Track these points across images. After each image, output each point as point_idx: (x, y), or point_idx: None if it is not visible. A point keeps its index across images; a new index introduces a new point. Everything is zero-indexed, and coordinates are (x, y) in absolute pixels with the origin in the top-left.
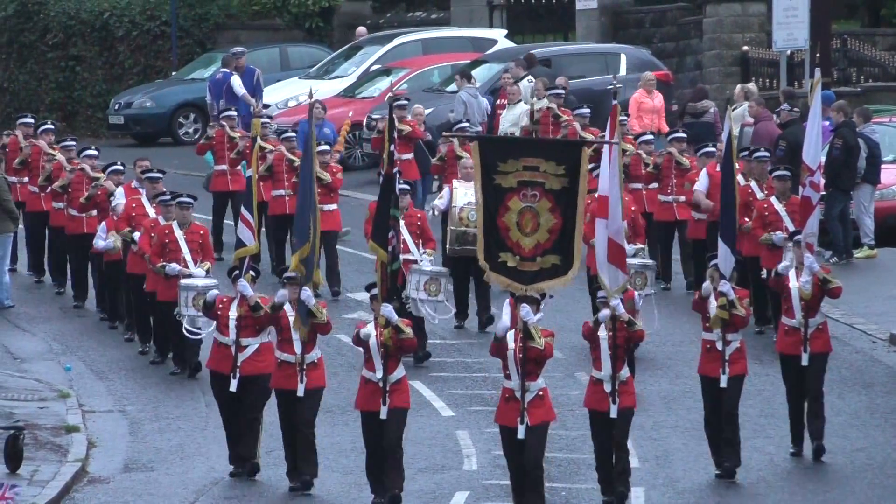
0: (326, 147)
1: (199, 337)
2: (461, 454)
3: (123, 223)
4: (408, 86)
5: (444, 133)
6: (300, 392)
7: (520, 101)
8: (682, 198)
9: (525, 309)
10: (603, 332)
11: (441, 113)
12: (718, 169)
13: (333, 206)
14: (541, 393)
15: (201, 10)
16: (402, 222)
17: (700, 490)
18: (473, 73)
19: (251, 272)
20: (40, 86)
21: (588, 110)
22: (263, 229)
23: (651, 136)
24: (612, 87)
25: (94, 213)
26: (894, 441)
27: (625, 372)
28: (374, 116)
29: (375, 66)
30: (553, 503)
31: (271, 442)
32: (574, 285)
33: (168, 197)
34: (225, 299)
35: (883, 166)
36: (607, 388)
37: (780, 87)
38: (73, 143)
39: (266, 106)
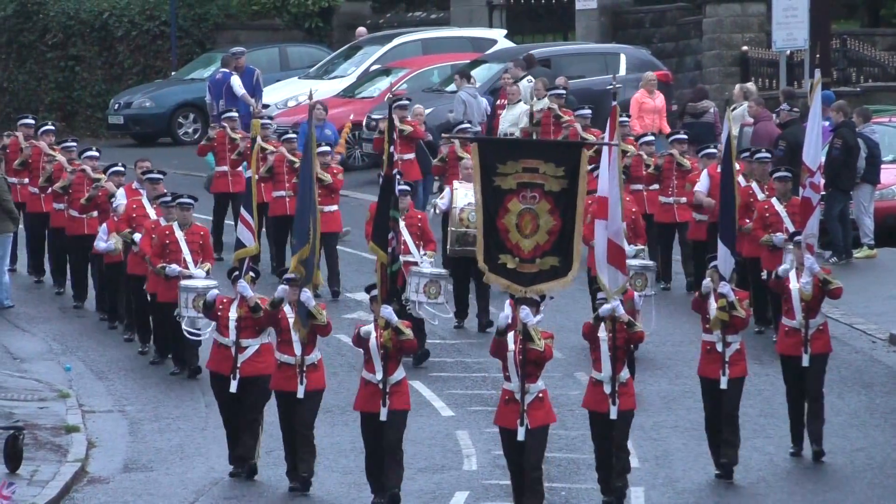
0: (327, 148)
1: (199, 339)
2: (461, 454)
3: (124, 224)
4: (407, 86)
5: (443, 135)
6: (300, 394)
7: (519, 101)
8: (683, 199)
9: (525, 311)
10: (603, 333)
11: (440, 113)
12: (719, 170)
13: (334, 208)
14: (540, 395)
15: (201, 10)
16: (402, 223)
17: (699, 490)
18: (473, 73)
19: (251, 273)
20: (40, 86)
21: (589, 111)
22: (264, 230)
23: (652, 137)
24: (611, 87)
25: (95, 214)
26: (894, 441)
27: (624, 373)
28: (374, 116)
29: (375, 67)
30: (553, 503)
31: (271, 442)
32: (574, 285)
33: (169, 198)
34: (225, 300)
35: (882, 166)
36: (607, 389)
37: (779, 88)
38: (74, 144)
39: (265, 106)
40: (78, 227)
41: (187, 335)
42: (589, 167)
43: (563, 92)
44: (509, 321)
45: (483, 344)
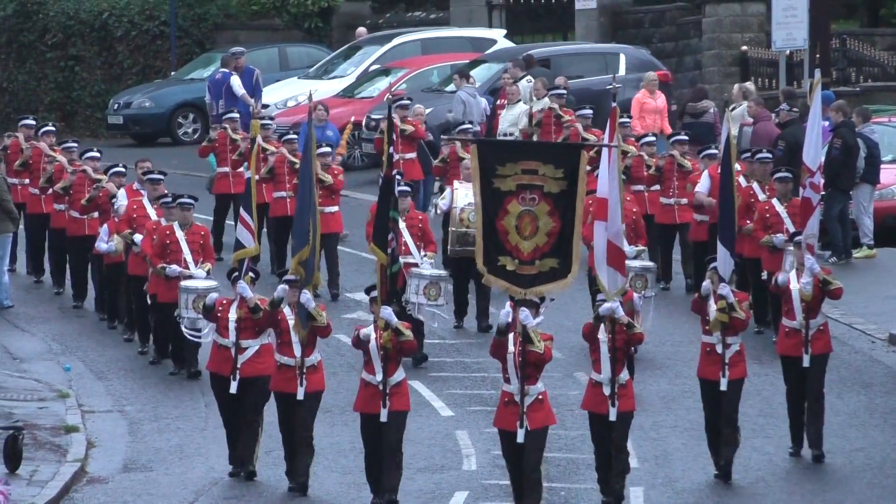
0: (328, 149)
1: (200, 341)
2: (460, 454)
3: (124, 225)
4: (407, 86)
5: (443, 137)
6: (300, 395)
7: (519, 101)
8: (684, 200)
9: (524, 312)
10: (602, 335)
11: (440, 113)
12: (720, 171)
13: (335, 208)
14: (540, 397)
15: (200, 10)
16: (403, 224)
17: (699, 490)
18: (473, 73)
19: (250, 274)
20: (39, 86)
21: (590, 111)
22: (265, 230)
23: (653, 138)
24: (611, 87)
25: (96, 214)
26: (893, 441)
27: (624, 375)
28: (374, 116)
29: (374, 67)
30: (552, 503)
31: (270, 442)
32: (574, 285)
33: (170, 199)
34: (224, 301)
35: (882, 166)
36: (606, 391)
37: (779, 87)
38: (75, 144)
39: (265, 106)
40: (79, 228)
41: (188, 336)
42: (589, 167)
43: (564, 92)
44: (510, 320)
45: (482, 344)
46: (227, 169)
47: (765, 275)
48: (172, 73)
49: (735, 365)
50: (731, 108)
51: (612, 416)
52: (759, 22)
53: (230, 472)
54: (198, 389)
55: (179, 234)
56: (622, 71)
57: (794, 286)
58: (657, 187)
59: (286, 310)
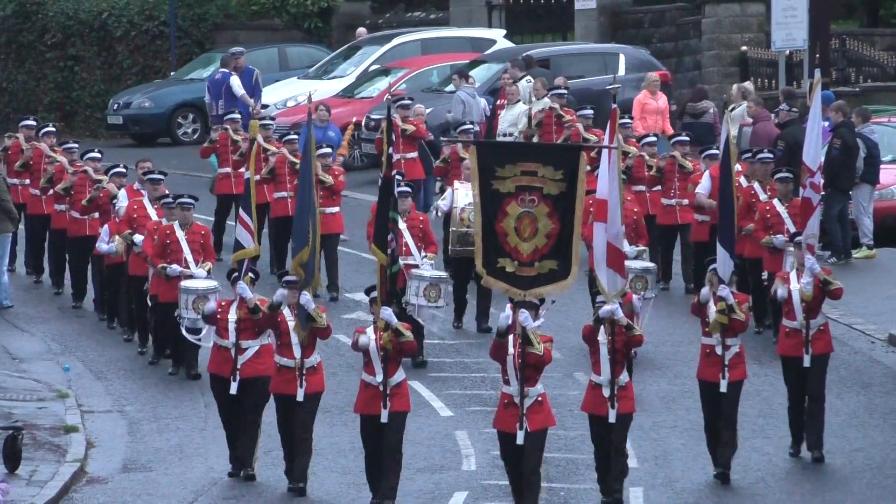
0: (328, 150)
1: (199, 344)
2: (460, 454)
3: (125, 225)
4: (406, 86)
5: (442, 139)
6: (300, 397)
7: (518, 101)
8: (686, 201)
9: (524, 314)
10: (602, 337)
11: (440, 113)
12: None
13: (336, 209)
14: (539, 398)
15: (200, 10)
16: (404, 225)
17: (698, 490)
18: (472, 73)
19: (250, 274)
20: (39, 86)
21: (591, 111)
22: (265, 231)
23: (654, 138)
24: (611, 87)
25: (96, 215)
26: (893, 441)
27: (624, 377)
28: (374, 117)
29: (374, 67)
30: (552, 503)
31: (269, 442)
32: (573, 286)
33: (170, 200)
34: (224, 303)
35: (882, 166)
36: (606, 393)
37: (778, 88)
38: (76, 145)
39: (265, 106)
40: (79, 229)
41: (188, 337)
42: (589, 167)
43: (565, 92)
44: (510, 321)
45: (482, 344)
46: (228, 170)
47: (765, 275)
48: (172, 74)
49: (735, 366)
50: (730, 108)
51: (612, 418)
52: (759, 22)
53: (229, 472)
54: (197, 389)
55: (180, 234)
56: (622, 71)
57: (795, 286)
58: (658, 188)
59: (286, 311)
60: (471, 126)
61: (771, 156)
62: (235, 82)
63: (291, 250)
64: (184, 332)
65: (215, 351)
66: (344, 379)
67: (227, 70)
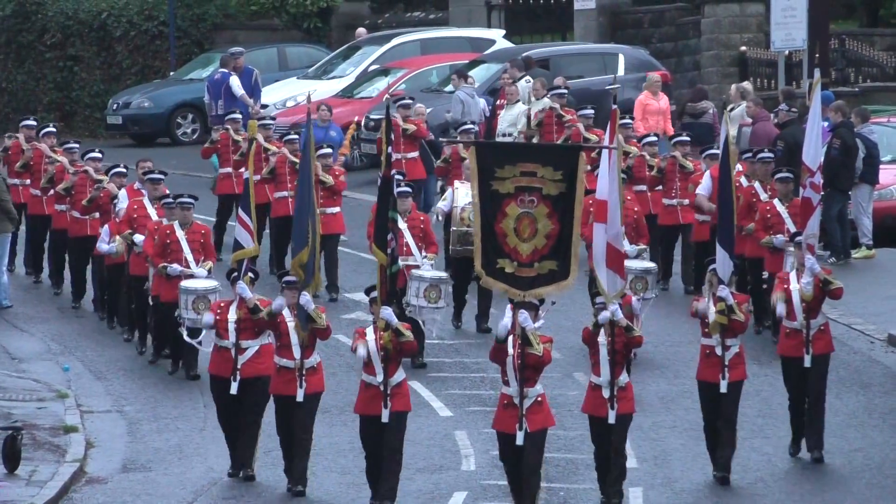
0: (328, 150)
1: (199, 347)
2: (459, 454)
3: (125, 225)
4: (406, 86)
5: (442, 140)
6: (299, 397)
7: (518, 101)
8: (686, 201)
9: (523, 315)
10: (602, 338)
11: (439, 113)
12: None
13: (336, 209)
14: (539, 399)
15: (199, 10)
16: (405, 225)
17: (698, 490)
18: (471, 73)
19: (250, 274)
20: (38, 86)
21: (592, 111)
22: (266, 231)
23: (655, 138)
24: (611, 88)
25: (97, 215)
26: (892, 441)
27: (623, 377)
28: (374, 117)
29: (374, 67)
30: (551, 503)
31: (269, 442)
32: (573, 287)
33: (171, 200)
34: (223, 303)
35: (881, 166)
36: (605, 393)
37: (778, 88)
38: (77, 145)
39: (264, 106)
40: (80, 229)
41: (187, 338)
42: (589, 167)
43: (565, 91)
44: (509, 329)
45: (481, 344)
46: (229, 170)
47: (766, 275)
48: (171, 74)
49: (735, 367)
50: (729, 108)
51: (612, 419)
52: (758, 22)
53: (228, 472)
54: (197, 389)
55: (180, 234)
56: (621, 71)
57: (795, 286)
58: (660, 188)
59: (286, 312)
60: (472, 126)
61: (771, 156)
62: (235, 82)
63: (291, 251)
64: (184, 335)
65: (215, 352)
66: (344, 379)
67: (226, 70)
